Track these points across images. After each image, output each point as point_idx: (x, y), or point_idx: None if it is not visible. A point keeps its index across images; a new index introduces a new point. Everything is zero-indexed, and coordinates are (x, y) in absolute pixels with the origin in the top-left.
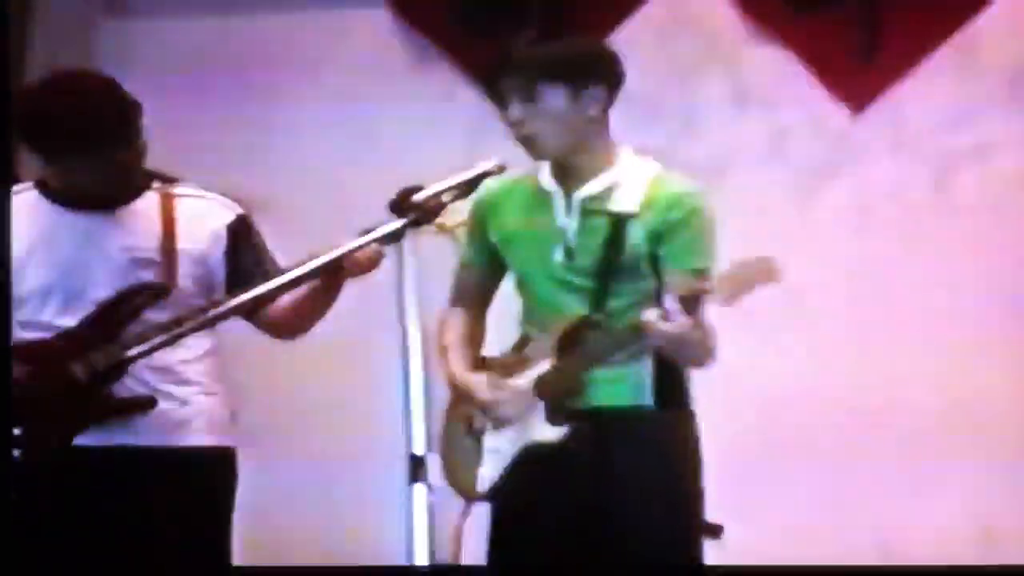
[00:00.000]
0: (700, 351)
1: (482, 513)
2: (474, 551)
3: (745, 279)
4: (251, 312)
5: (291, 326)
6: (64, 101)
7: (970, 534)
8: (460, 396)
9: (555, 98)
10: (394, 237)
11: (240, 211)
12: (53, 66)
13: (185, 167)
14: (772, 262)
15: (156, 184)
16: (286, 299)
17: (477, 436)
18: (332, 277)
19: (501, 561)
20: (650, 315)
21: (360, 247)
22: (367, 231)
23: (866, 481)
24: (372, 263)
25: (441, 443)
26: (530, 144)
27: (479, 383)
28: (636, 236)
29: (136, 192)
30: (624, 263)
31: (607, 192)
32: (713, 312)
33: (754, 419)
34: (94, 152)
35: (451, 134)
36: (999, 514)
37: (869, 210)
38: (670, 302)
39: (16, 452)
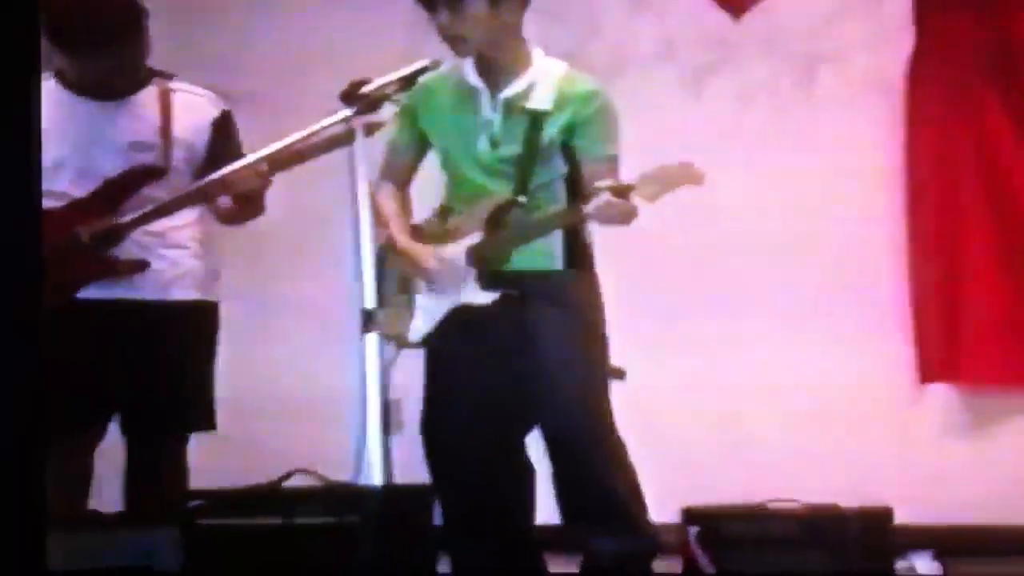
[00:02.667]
0: (626, 217)
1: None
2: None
3: (668, 180)
4: (210, 198)
5: (232, 214)
6: (82, 3)
7: None
8: (391, 256)
9: (476, 6)
10: (348, 135)
11: (224, 107)
12: None
13: (169, 67)
14: (693, 167)
15: (156, 79)
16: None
17: (408, 292)
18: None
19: (434, 402)
20: (595, 199)
21: (314, 132)
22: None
23: None
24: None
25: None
26: (455, 43)
27: (424, 253)
28: (552, 129)
29: (139, 85)
30: (541, 152)
31: (527, 91)
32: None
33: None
34: (105, 48)
35: (392, 35)
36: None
37: (746, 105)
38: (604, 196)
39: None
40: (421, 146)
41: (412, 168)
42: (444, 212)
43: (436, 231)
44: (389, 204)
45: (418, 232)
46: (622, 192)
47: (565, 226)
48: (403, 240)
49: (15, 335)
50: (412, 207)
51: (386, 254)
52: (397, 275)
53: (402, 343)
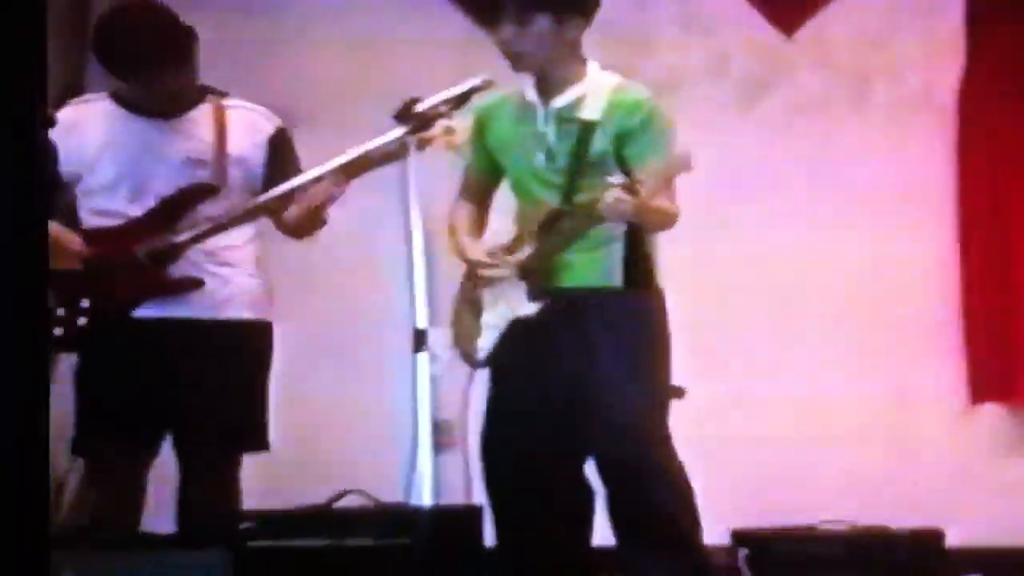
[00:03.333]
0: (659, 222)
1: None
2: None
3: (664, 172)
4: (273, 212)
5: (300, 227)
6: (136, 28)
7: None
8: (469, 276)
9: (540, 24)
10: (402, 148)
11: (280, 124)
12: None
13: (225, 85)
14: (686, 156)
15: (210, 97)
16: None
17: (479, 313)
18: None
19: (492, 422)
20: (606, 196)
21: (374, 149)
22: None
23: None
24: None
25: (452, 321)
26: (516, 59)
27: (472, 245)
28: (602, 139)
29: (194, 103)
30: (592, 162)
31: (577, 102)
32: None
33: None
34: (158, 71)
35: (444, 56)
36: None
37: (797, 121)
38: (615, 192)
39: (83, 320)
40: (491, 165)
41: (486, 187)
42: (519, 234)
43: (503, 247)
44: (460, 219)
45: (494, 255)
46: (629, 188)
47: (589, 228)
48: (464, 240)
49: (19, 349)
50: (486, 225)
51: (467, 277)
52: (470, 295)
53: (472, 363)
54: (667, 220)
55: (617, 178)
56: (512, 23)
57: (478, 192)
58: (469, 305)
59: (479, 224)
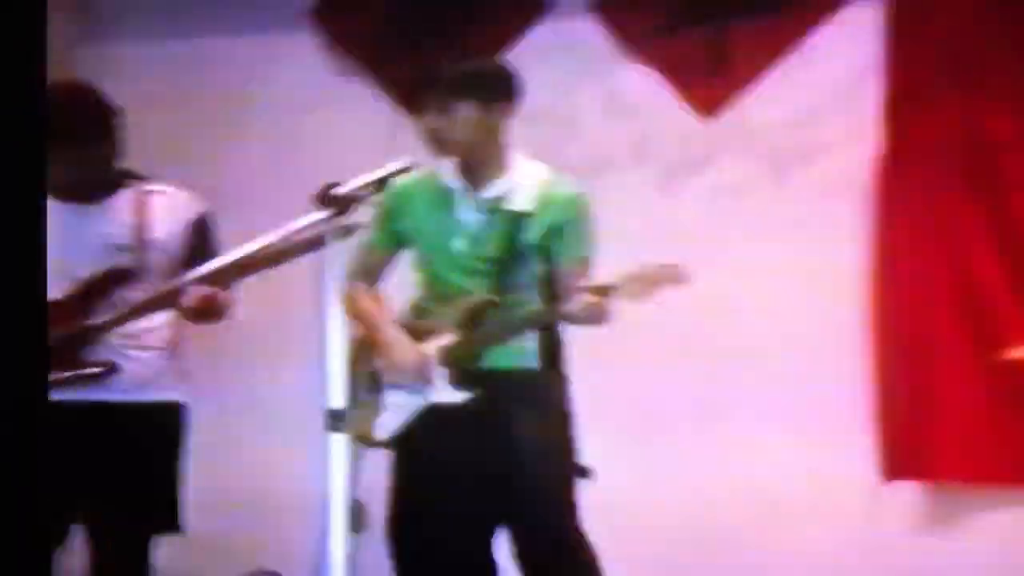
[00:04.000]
0: (601, 318)
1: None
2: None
3: (649, 279)
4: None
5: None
6: (57, 101)
7: None
8: (363, 354)
9: (466, 110)
10: (319, 240)
11: (202, 209)
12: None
13: (150, 167)
14: (675, 266)
15: (132, 182)
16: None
17: (378, 391)
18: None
19: (402, 499)
20: (582, 301)
21: (293, 234)
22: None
23: None
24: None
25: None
26: (441, 146)
27: (407, 346)
28: (532, 231)
29: (115, 186)
30: (520, 253)
31: (507, 193)
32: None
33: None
34: (76, 146)
35: (367, 139)
36: None
37: (718, 202)
38: (586, 298)
39: None
40: (396, 247)
41: (384, 268)
42: (418, 311)
43: (415, 329)
44: (366, 302)
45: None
46: (602, 292)
47: (540, 326)
48: (389, 332)
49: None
50: (386, 306)
51: (359, 353)
52: (366, 373)
53: (368, 442)
54: (604, 320)
55: (587, 282)
56: (436, 110)
57: (375, 272)
58: (365, 382)
59: (382, 306)
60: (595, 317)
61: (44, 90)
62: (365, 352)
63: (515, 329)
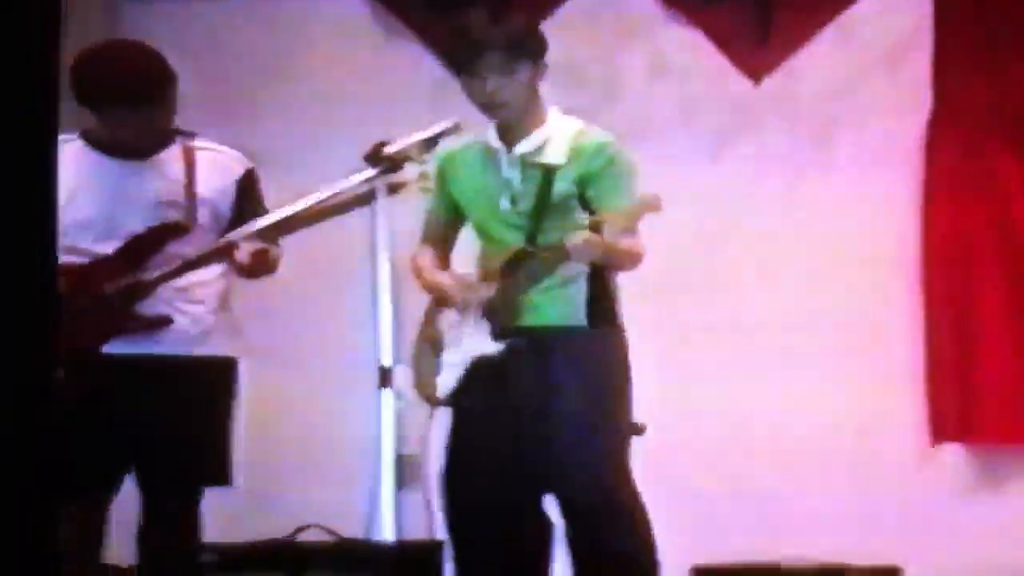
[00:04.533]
0: (624, 258)
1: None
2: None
3: (632, 212)
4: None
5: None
6: (120, 64)
7: None
8: (430, 317)
9: (525, 72)
10: (371, 192)
11: (249, 166)
12: (85, 41)
13: (195, 125)
14: (654, 196)
15: (179, 138)
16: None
17: (439, 353)
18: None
19: (453, 459)
20: (574, 236)
21: (342, 193)
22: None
23: None
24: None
25: (412, 360)
26: (500, 108)
27: (441, 275)
28: (565, 182)
29: (164, 144)
30: (556, 205)
31: (540, 147)
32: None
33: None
34: (137, 109)
35: (416, 98)
36: None
37: (764, 168)
38: (580, 233)
39: None
40: (455, 212)
41: (448, 233)
42: (482, 276)
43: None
44: (426, 261)
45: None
46: (595, 226)
47: (559, 265)
48: (439, 275)
49: (28, 387)
50: (451, 268)
51: (427, 317)
52: (432, 336)
53: (432, 401)
54: (632, 259)
55: (584, 218)
56: (497, 73)
57: (441, 237)
58: (429, 344)
59: (444, 266)
60: (597, 254)
61: (56, 58)
62: (431, 316)
63: (539, 273)
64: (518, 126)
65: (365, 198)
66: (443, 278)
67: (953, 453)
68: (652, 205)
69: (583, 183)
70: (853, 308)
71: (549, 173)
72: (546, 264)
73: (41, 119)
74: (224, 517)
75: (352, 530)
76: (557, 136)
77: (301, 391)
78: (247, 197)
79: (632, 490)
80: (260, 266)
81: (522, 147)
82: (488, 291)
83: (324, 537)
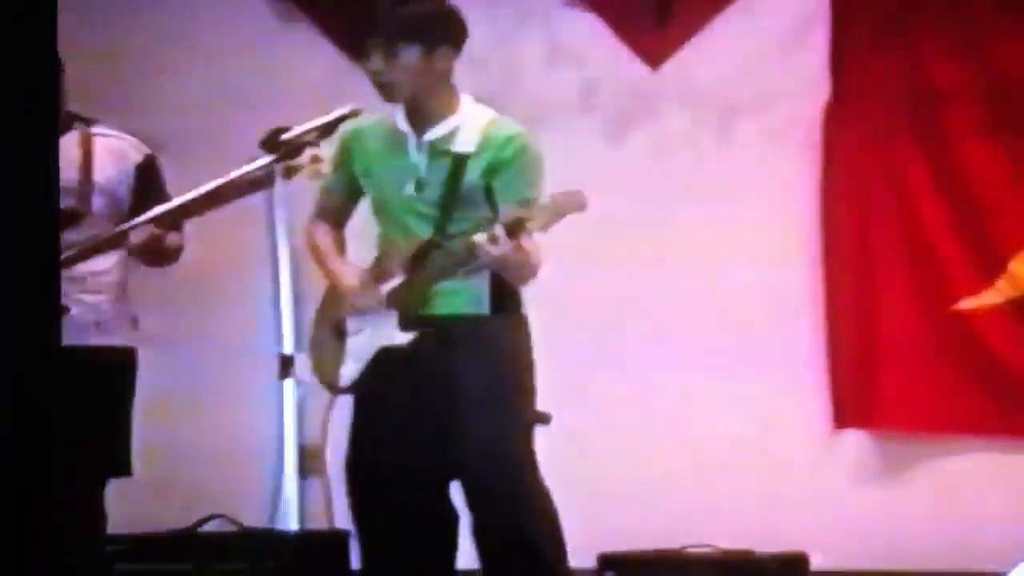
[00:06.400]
0: (522, 271)
1: (345, 403)
2: (338, 437)
3: (557, 209)
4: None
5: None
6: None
7: None
8: (329, 301)
9: (409, 55)
10: (268, 177)
11: (148, 152)
12: None
13: (90, 112)
14: (581, 195)
15: (78, 124)
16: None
17: (342, 339)
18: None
19: (357, 447)
20: (480, 239)
21: (240, 177)
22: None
23: None
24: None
25: (312, 345)
26: (386, 89)
27: (345, 272)
28: (474, 172)
29: (61, 130)
30: (464, 195)
31: (451, 134)
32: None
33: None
34: None
35: (312, 83)
36: None
37: (664, 152)
38: (497, 228)
39: None
40: (353, 189)
41: (345, 210)
42: (380, 258)
43: (370, 273)
44: (324, 241)
45: (367, 285)
46: (517, 225)
47: (468, 265)
48: (336, 263)
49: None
50: (346, 247)
51: (326, 301)
52: (332, 321)
53: (334, 389)
54: (531, 272)
55: (498, 227)
56: (380, 54)
57: (337, 214)
58: (330, 328)
59: (340, 246)
60: (516, 265)
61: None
62: (331, 300)
63: (447, 270)
64: (427, 111)
65: (262, 183)
66: (341, 274)
67: (856, 439)
68: (577, 204)
69: (490, 173)
70: (754, 293)
71: (459, 162)
72: (453, 261)
73: (40, 116)
74: (128, 508)
75: (255, 520)
76: (468, 124)
77: (203, 380)
78: (147, 184)
79: (536, 477)
80: (158, 253)
81: (431, 133)
82: (380, 299)
83: (228, 527)
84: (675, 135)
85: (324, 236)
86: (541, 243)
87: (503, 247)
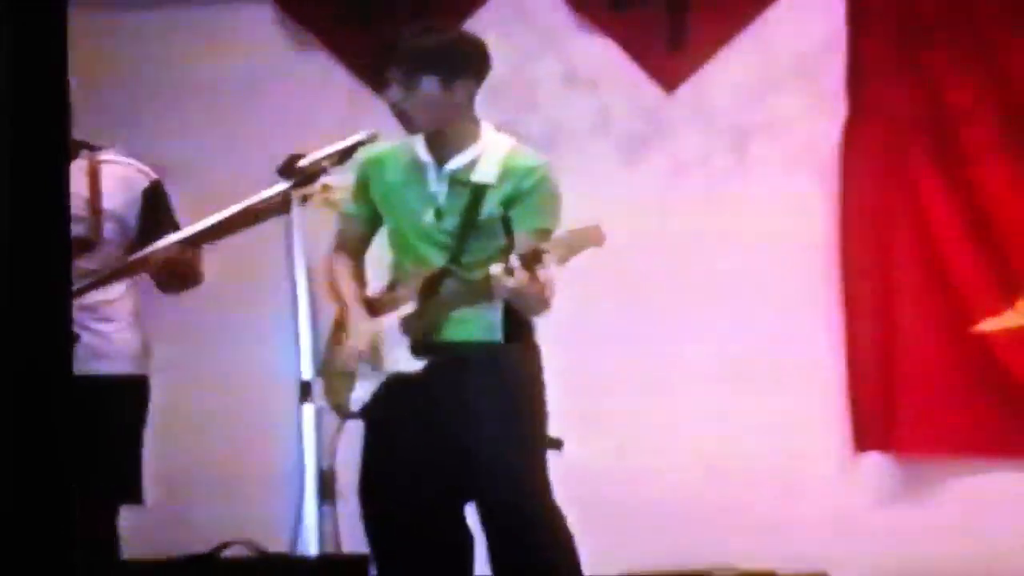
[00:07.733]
0: (536, 303)
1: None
2: (348, 461)
3: (574, 243)
4: (149, 267)
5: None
6: None
7: None
8: (340, 327)
9: (429, 86)
10: (285, 203)
11: (154, 177)
12: None
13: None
14: (598, 229)
15: (84, 151)
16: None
17: (353, 363)
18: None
19: (371, 471)
20: (496, 270)
21: (255, 204)
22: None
23: None
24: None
25: (324, 366)
26: (405, 120)
27: (354, 329)
28: (492, 202)
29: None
30: (482, 225)
31: (471, 164)
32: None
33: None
34: None
35: (329, 109)
36: None
37: (679, 175)
38: (513, 259)
39: None
40: (374, 218)
41: (365, 239)
42: (392, 285)
43: (382, 301)
44: (343, 274)
45: (370, 305)
46: (534, 258)
47: (482, 297)
48: (349, 312)
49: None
50: (367, 277)
51: (338, 325)
52: (343, 346)
53: (344, 413)
54: (541, 306)
55: (514, 259)
56: (400, 85)
57: (357, 243)
58: (342, 353)
59: (360, 278)
60: (530, 296)
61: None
62: (344, 322)
63: (461, 300)
64: (448, 141)
65: (279, 209)
66: (352, 311)
67: (877, 460)
68: (595, 238)
69: (508, 203)
70: (773, 317)
71: (479, 193)
72: (469, 291)
73: (52, 133)
74: (147, 534)
75: (276, 545)
76: (489, 154)
77: (221, 406)
78: (154, 209)
79: (550, 501)
80: (178, 278)
81: (453, 163)
82: (405, 309)
83: (248, 554)
84: (690, 158)
85: (342, 271)
86: (555, 271)
87: (518, 278)
